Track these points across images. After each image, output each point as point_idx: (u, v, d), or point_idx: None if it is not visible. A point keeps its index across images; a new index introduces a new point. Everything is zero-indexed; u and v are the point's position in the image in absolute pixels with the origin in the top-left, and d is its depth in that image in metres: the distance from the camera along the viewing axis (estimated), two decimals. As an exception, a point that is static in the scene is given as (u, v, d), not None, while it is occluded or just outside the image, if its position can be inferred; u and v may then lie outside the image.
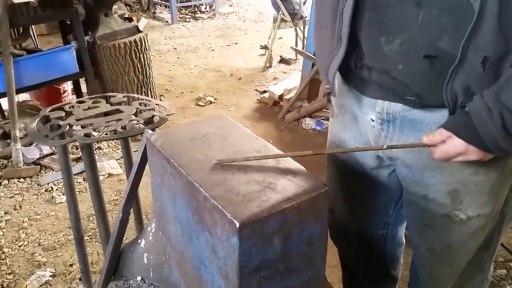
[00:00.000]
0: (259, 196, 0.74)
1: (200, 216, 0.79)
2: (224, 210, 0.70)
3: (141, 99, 1.37)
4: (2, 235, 2.28)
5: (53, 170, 2.83)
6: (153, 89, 3.57)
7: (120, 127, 1.17)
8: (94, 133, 1.14)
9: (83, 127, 1.17)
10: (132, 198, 1.03)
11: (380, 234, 1.28)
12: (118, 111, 1.30)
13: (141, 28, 3.36)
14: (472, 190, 0.97)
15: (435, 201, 1.01)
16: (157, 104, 1.34)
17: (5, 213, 2.45)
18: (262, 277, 0.75)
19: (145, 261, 1.09)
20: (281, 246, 0.75)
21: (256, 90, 4.16)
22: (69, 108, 1.33)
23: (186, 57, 5.11)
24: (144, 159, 0.99)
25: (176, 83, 4.36)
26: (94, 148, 3.13)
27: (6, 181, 2.72)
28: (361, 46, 0.95)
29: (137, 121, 1.20)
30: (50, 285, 1.97)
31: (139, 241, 1.09)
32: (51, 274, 2.01)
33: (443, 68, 0.83)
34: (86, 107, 1.33)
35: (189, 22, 6.70)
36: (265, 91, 3.98)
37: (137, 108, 1.31)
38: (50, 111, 1.30)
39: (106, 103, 1.37)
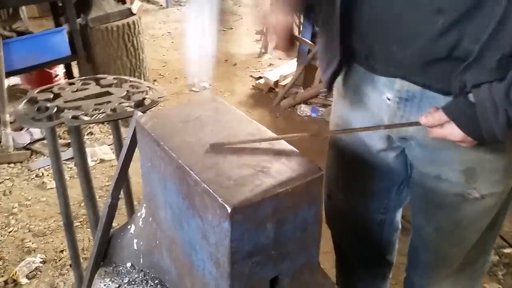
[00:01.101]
0: (252, 180, 0.71)
1: (191, 201, 0.76)
2: (215, 194, 0.68)
3: (132, 81, 1.33)
4: (-8, 220, 2.25)
5: (44, 155, 2.79)
6: (146, 73, 3.52)
7: (109, 109, 1.14)
8: (85, 117, 1.10)
9: (70, 109, 1.14)
10: (122, 183, 1.00)
11: (379, 219, 1.27)
12: (108, 93, 1.26)
13: (134, 11, 3.30)
14: (487, 168, 0.96)
15: (448, 180, 0.99)
16: (148, 87, 1.30)
17: (-5, 198, 2.41)
18: (254, 263, 0.73)
19: (135, 247, 1.06)
20: (274, 232, 0.72)
21: (251, 76, 4.12)
22: (58, 90, 1.29)
23: (180, 42, 5.03)
24: (133, 143, 0.95)
25: (170, 68, 4.30)
26: (86, 134, 3.09)
27: (-4, 166, 2.67)
28: (372, 49, 0.93)
29: (128, 104, 1.17)
30: (40, 272, 1.94)
31: (129, 226, 1.06)
32: (41, 260, 1.99)
33: (459, 65, 0.80)
34: (75, 89, 1.29)
35: (184, 6, 6.59)
36: (260, 77, 3.94)
37: (128, 90, 1.27)
38: (37, 92, 1.26)
39: (96, 85, 1.33)
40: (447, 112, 0.82)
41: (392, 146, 1.07)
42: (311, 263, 0.83)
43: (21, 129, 2.95)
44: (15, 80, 3.48)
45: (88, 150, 2.79)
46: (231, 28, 5.55)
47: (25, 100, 1.21)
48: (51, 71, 3.39)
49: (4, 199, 2.41)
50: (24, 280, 1.88)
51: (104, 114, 1.10)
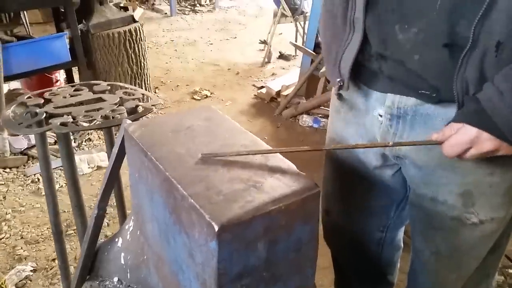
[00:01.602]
0: (243, 196, 0.66)
1: (177, 216, 0.71)
2: (202, 210, 0.63)
3: (126, 88, 1.29)
4: (-16, 226, 2.20)
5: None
6: (147, 80, 3.49)
7: (100, 116, 1.09)
8: (84, 123, 1.06)
9: (60, 115, 1.09)
10: (108, 193, 0.95)
11: (378, 238, 1.21)
12: (101, 99, 1.22)
13: (136, 18, 3.28)
14: (486, 192, 0.90)
15: (445, 203, 0.94)
16: (143, 94, 1.26)
17: (-12, 204, 2.36)
18: (244, 286, 0.68)
19: (122, 261, 1.01)
20: (266, 252, 0.67)
21: (253, 85, 4.08)
22: (49, 95, 1.24)
23: (183, 50, 5.02)
24: (122, 152, 0.91)
25: (172, 76, 4.27)
26: (84, 140, 3.05)
27: (-9, 171, 2.63)
28: (371, 35, 0.88)
29: (119, 111, 1.12)
30: (31, 281, 1.89)
31: (116, 239, 1.01)
32: (32, 268, 1.93)
33: (458, 56, 0.76)
34: (67, 95, 1.25)
35: (188, 15, 6.60)
36: (262, 87, 3.90)
37: (121, 97, 1.23)
38: (28, 97, 1.22)
39: (89, 91, 1.29)
40: (457, 120, 0.77)
41: (387, 164, 1.02)
42: (306, 285, 0.78)
43: (18, 134, 2.92)
44: (15, 84, 3.46)
45: (85, 157, 2.75)
46: (235, 37, 5.53)
47: (14, 105, 1.17)
48: (52, 76, 3.36)
49: (-3, 205, 2.36)
50: (13, 289, 1.82)
51: (94, 122, 1.05)
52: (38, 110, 1.12)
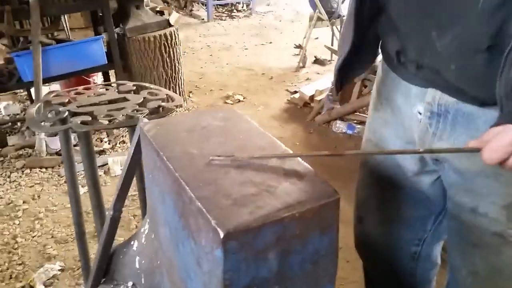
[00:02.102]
0: (253, 201, 0.61)
1: (186, 220, 0.67)
2: (208, 215, 0.58)
3: (151, 89, 1.27)
4: (18, 224, 2.25)
5: (76, 162, 2.80)
6: (181, 84, 3.51)
7: (121, 116, 1.08)
8: (104, 122, 1.05)
9: (82, 114, 1.08)
10: (124, 194, 0.92)
11: (413, 251, 1.12)
12: (125, 99, 1.21)
13: (172, 22, 3.30)
14: None
15: (486, 216, 0.84)
16: (167, 95, 1.23)
17: (24, 202, 2.42)
18: (254, 299, 0.62)
19: (137, 266, 0.98)
20: (277, 263, 0.62)
21: (287, 90, 4.02)
22: (75, 94, 1.24)
23: (218, 55, 5.03)
24: (138, 151, 0.88)
25: (207, 80, 4.29)
26: (118, 142, 3.09)
27: (28, 170, 2.71)
28: (407, 41, 0.82)
29: (141, 111, 1.10)
30: (58, 280, 1.90)
31: (132, 242, 0.99)
32: (60, 268, 1.96)
33: (500, 58, 0.68)
34: (92, 94, 1.24)
35: (225, 20, 6.64)
36: (295, 92, 3.84)
37: (145, 97, 1.21)
38: (53, 96, 1.22)
39: (115, 91, 1.28)
40: (498, 124, 0.69)
41: (426, 170, 0.94)
42: (324, 301, 0.71)
43: (55, 134, 2.99)
44: (55, 86, 3.57)
45: (118, 159, 2.78)
46: (270, 42, 5.50)
47: (39, 104, 1.17)
48: (90, 79, 3.44)
49: (32, 203, 2.42)
50: (40, 287, 1.84)
51: (114, 121, 1.03)
52: (61, 108, 1.11)
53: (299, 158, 0.73)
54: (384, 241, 1.13)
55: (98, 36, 3.00)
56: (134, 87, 1.28)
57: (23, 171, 2.69)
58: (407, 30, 0.82)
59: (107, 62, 3.02)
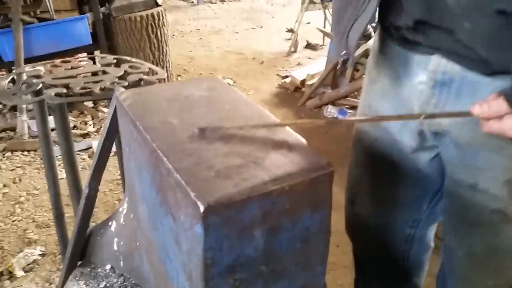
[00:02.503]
0: (238, 173, 0.55)
1: (163, 195, 0.61)
2: (187, 187, 0.52)
3: (133, 62, 1.19)
4: (-3, 208, 2.17)
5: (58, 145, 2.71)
6: (169, 67, 3.41)
7: (98, 88, 1.00)
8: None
9: (57, 86, 1.00)
10: (100, 172, 0.86)
11: (407, 233, 1.07)
12: (104, 72, 1.13)
13: (159, 2, 3.20)
14: None
15: (486, 192, 0.79)
16: (149, 68, 1.16)
17: (4, 185, 2.34)
18: (238, 281, 0.57)
19: (115, 248, 0.92)
20: (264, 241, 0.56)
21: (278, 75, 3.95)
22: (51, 67, 1.16)
23: (208, 39, 4.93)
24: (114, 125, 0.81)
25: (196, 64, 4.19)
26: (103, 125, 3.01)
27: (9, 153, 2.61)
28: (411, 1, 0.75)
29: (121, 84, 1.03)
30: (38, 265, 1.84)
31: (110, 223, 0.92)
32: (41, 253, 1.88)
33: None
34: (69, 67, 1.16)
35: (215, 3, 6.52)
36: (286, 76, 3.77)
37: (126, 71, 1.13)
38: (28, 69, 1.14)
39: (94, 64, 1.20)
40: (510, 100, 0.63)
41: (425, 145, 0.88)
42: (315, 284, 0.66)
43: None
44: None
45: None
46: (261, 27, 5.40)
47: (12, 76, 1.09)
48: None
49: (13, 187, 2.34)
50: (20, 273, 1.77)
51: (90, 92, 0.96)
52: (35, 80, 1.03)
53: (289, 129, 0.67)
54: (377, 222, 1.08)
55: (82, 15, 2.89)
56: (115, 61, 1.20)
57: (4, 154, 2.60)
58: None
59: (92, 43, 2.92)
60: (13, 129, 2.79)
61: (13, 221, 2.09)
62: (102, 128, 2.96)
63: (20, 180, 2.39)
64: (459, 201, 0.86)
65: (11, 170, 2.47)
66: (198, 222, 0.50)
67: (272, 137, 0.64)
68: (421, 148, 0.89)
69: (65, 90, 0.97)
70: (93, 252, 0.96)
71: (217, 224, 0.51)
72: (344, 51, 0.87)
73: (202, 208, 0.49)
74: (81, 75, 1.12)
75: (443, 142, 0.83)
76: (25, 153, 2.64)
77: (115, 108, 0.79)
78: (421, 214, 1.03)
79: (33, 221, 2.10)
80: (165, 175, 0.58)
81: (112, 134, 0.82)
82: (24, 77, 1.06)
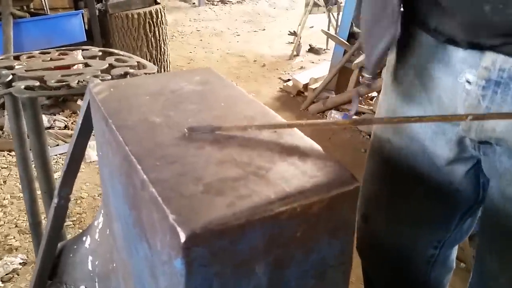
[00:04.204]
0: (234, 188, 0.41)
1: (137, 214, 0.47)
2: (165, 206, 0.38)
3: (120, 55, 1.06)
4: (-21, 211, 2.03)
5: (49, 145, 2.57)
6: (167, 67, 3.29)
7: (77, 82, 0.87)
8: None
9: (30, 79, 0.87)
10: (72, 177, 0.72)
11: (429, 255, 0.93)
12: (87, 65, 1.00)
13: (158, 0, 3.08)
14: None
15: None
16: (138, 62, 1.03)
17: (-13, 187, 2.20)
18: (231, 330, 0.43)
19: (90, 267, 0.78)
20: (268, 279, 0.42)
21: (279, 78, 3.83)
22: (27, 58, 1.03)
23: (209, 40, 4.82)
24: (87, 122, 0.67)
25: (195, 65, 4.07)
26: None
27: (-5, 153, 2.48)
28: (447, 17, 0.64)
29: (103, 78, 0.89)
30: (18, 275, 1.69)
31: (84, 238, 0.79)
32: (22, 261, 1.74)
33: None
34: (48, 59, 1.03)
35: (216, 5, 6.41)
36: (289, 80, 3.64)
37: (111, 64, 1.00)
38: (0, 59, 1.01)
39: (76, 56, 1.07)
40: None
41: (463, 156, 0.74)
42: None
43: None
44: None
45: (94, 143, 2.56)
46: (263, 29, 5.29)
47: (-19, 66, 0.96)
48: (68, 58, 3.21)
49: (-4, 189, 2.20)
50: (-3, 284, 1.63)
51: (67, 86, 0.83)
52: (4, 71, 0.90)
53: (300, 132, 0.54)
54: (394, 242, 0.94)
55: (77, 11, 2.77)
56: (100, 53, 1.07)
57: (-11, 154, 2.47)
58: (444, 4, 0.62)
59: (86, 40, 2.80)
60: (1, 127, 2.66)
61: (-6, 226, 1.95)
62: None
63: (5, 182, 2.26)
64: (505, 219, 0.71)
65: (-4, 171, 2.34)
66: (178, 255, 0.37)
67: (279, 141, 0.51)
68: (458, 159, 0.75)
69: (37, 83, 0.83)
70: (65, 270, 0.83)
71: (205, 258, 0.37)
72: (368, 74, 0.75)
73: (183, 238, 0.35)
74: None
75: (493, 152, 0.69)
76: (12, 153, 2.50)
77: (88, 103, 0.66)
78: (449, 233, 0.89)
79: (16, 226, 1.95)
80: (138, 188, 0.44)
81: (86, 133, 0.69)
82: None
